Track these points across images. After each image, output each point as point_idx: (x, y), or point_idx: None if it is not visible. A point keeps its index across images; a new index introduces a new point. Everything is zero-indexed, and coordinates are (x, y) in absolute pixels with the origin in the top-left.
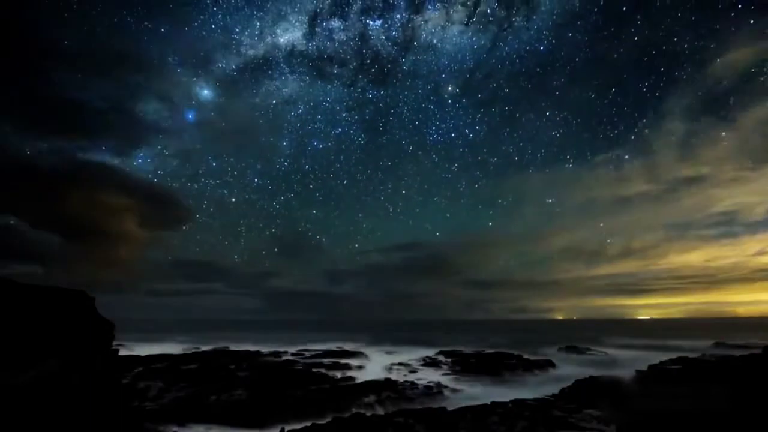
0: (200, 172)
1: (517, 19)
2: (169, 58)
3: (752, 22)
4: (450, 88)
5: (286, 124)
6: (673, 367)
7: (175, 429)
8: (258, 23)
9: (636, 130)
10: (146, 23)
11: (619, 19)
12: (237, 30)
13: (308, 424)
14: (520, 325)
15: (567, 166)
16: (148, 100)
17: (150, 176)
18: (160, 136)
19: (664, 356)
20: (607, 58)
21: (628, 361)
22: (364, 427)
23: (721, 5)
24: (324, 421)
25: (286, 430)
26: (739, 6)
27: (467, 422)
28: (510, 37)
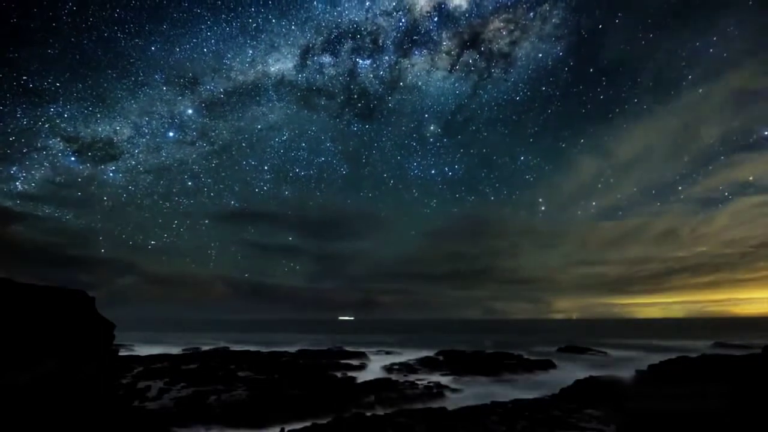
0: (174, 190)
1: (496, 70)
2: (156, 76)
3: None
4: (432, 128)
5: (269, 150)
6: (673, 367)
7: (175, 429)
8: (250, 51)
9: (602, 179)
10: (137, 41)
11: (586, 78)
12: (229, 56)
13: (308, 424)
14: (520, 325)
15: (540, 208)
16: (127, 113)
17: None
18: (136, 151)
19: (664, 356)
20: (576, 112)
21: (628, 361)
22: (364, 427)
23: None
24: (324, 421)
25: (286, 430)
26: (690, 77)
27: (467, 422)
28: (489, 86)
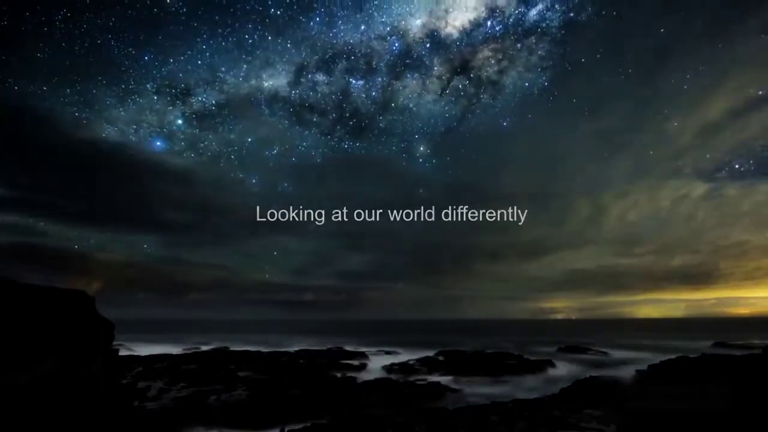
0: (157, 200)
1: (485, 96)
2: (147, 85)
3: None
4: (422, 149)
5: (258, 163)
6: (673, 367)
7: (175, 429)
8: (245, 66)
9: (584, 204)
10: (130, 49)
11: (569, 110)
12: (223, 69)
13: (308, 424)
14: (520, 325)
15: (526, 224)
16: (115, 121)
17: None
18: (121, 158)
19: (664, 356)
20: (560, 139)
21: (628, 361)
22: (364, 427)
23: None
24: (324, 421)
25: (286, 430)
26: (665, 111)
27: (467, 422)
28: (478, 110)
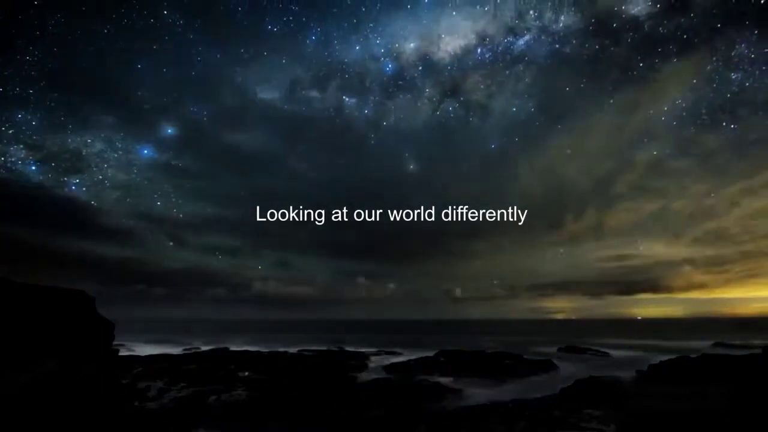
0: (142, 209)
1: (474, 119)
2: (138, 92)
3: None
4: (412, 167)
5: (248, 175)
6: (673, 367)
7: (175, 429)
8: (240, 79)
9: (583, 204)
10: (124, 56)
11: (555, 133)
12: (217, 81)
13: (308, 424)
14: (520, 325)
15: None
16: (102, 127)
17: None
18: (105, 165)
19: (664, 356)
20: (547, 161)
21: (628, 361)
22: (364, 427)
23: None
24: (324, 422)
25: (286, 430)
26: (645, 140)
27: (467, 422)
28: (467, 132)
